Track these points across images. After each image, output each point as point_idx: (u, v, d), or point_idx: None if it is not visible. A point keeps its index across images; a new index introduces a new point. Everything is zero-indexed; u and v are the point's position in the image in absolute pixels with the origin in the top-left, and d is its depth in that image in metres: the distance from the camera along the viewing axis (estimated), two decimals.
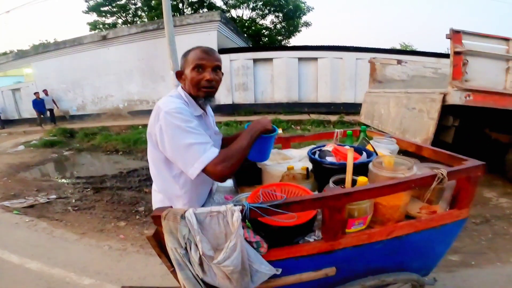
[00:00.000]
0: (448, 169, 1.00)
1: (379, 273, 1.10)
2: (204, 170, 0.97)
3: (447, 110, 3.13)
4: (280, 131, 1.83)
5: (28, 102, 12.90)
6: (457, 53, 2.87)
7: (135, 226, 2.98)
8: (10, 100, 13.44)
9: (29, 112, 13.14)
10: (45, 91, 11.40)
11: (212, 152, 0.99)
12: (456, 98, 2.93)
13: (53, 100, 11.56)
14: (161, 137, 1.02)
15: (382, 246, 1.05)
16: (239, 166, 1.01)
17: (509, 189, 3.46)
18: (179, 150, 0.99)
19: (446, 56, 8.60)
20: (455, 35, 2.86)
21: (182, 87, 1.20)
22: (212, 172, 0.97)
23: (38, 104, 11.13)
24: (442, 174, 0.96)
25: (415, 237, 1.07)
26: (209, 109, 1.32)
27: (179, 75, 1.18)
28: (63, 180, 4.75)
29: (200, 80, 1.12)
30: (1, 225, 3.13)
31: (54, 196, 3.91)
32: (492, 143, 3.77)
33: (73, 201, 3.74)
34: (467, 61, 2.89)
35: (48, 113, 11.51)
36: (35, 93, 11.23)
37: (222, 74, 1.21)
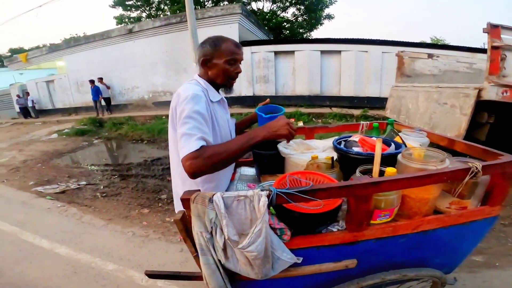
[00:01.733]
0: (482, 163, 0.94)
1: (400, 267, 1.08)
2: (182, 160, 0.96)
3: (481, 106, 2.99)
4: (301, 123, 1.81)
5: (61, 93, 13.68)
6: (494, 48, 2.76)
7: (158, 214, 3.10)
8: (44, 92, 14.22)
9: (62, 102, 13.94)
10: (100, 80, 11.64)
11: (194, 145, 0.96)
12: (492, 93, 2.80)
13: (107, 87, 11.81)
14: (178, 121, 1.05)
15: (406, 240, 1.02)
16: (215, 167, 0.97)
17: None
18: (180, 136, 1.00)
19: (481, 51, 8.00)
20: (493, 29, 2.75)
21: (200, 75, 1.25)
22: (183, 164, 0.95)
23: (92, 92, 11.31)
24: (476, 168, 0.91)
25: (442, 233, 1.03)
26: (222, 95, 1.37)
27: (205, 62, 1.20)
28: (93, 167, 5.01)
29: (233, 73, 1.20)
30: (34, 210, 3.34)
31: (84, 183, 4.15)
32: None
33: (102, 187, 3.94)
34: (506, 56, 2.77)
35: (103, 101, 11.63)
36: (90, 81, 11.35)
37: None
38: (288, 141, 1.11)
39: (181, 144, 0.98)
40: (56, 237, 2.70)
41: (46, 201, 3.56)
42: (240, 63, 1.23)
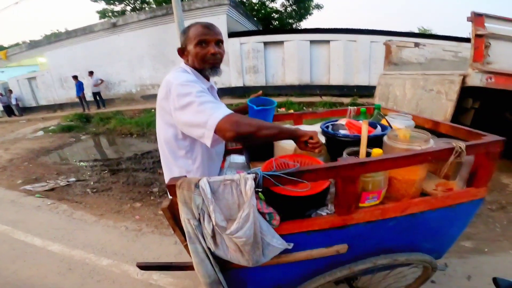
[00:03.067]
0: (466, 143, 0.96)
1: (391, 252, 1.09)
2: (219, 123, 0.92)
3: (466, 92, 3.07)
4: (282, 110, 1.81)
5: (45, 90, 13.28)
6: (478, 36, 2.83)
7: (150, 207, 3.08)
8: (26, 89, 13.78)
9: (46, 99, 13.54)
10: (90, 73, 11.09)
11: (229, 110, 0.96)
12: (476, 80, 2.88)
13: (100, 80, 11.24)
14: (175, 107, 1.01)
15: (396, 224, 1.03)
16: (251, 132, 0.94)
17: None
18: (196, 110, 0.97)
19: (467, 40, 8.13)
20: (477, 18, 2.82)
21: (185, 63, 1.22)
22: (226, 121, 0.92)
23: (76, 88, 10.85)
24: (460, 148, 0.92)
25: (429, 216, 1.05)
26: (213, 83, 1.34)
27: (181, 52, 1.20)
28: (81, 164, 4.92)
29: (206, 54, 1.15)
30: (24, 208, 3.27)
31: (73, 179, 4.07)
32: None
33: (92, 183, 3.88)
34: (490, 44, 2.85)
35: (90, 96, 11.16)
36: (73, 77, 10.85)
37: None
38: (314, 148, 1.05)
39: (209, 110, 0.95)
40: (48, 234, 2.66)
41: (36, 199, 3.49)
42: (217, 44, 1.16)
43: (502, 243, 2.16)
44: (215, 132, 0.93)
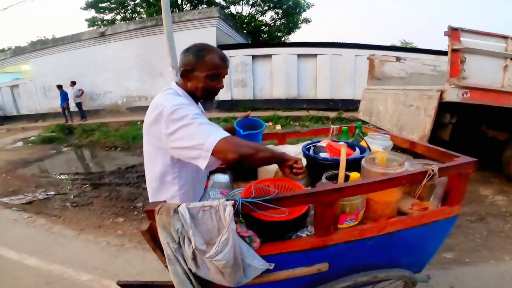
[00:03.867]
0: (439, 165, 1.00)
1: (371, 269, 1.10)
2: (217, 144, 0.89)
3: (444, 107, 3.14)
4: (278, 127, 1.84)
5: (27, 99, 12.91)
6: (455, 51, 2.88)
7: (133, 222, 3.00)
8: (8, 97, 13.38)
9: (27, 108, 13.14)
10: (72, 84, 10.77)
11: (225, 133, 0.94)
12: (453, 95, 2.94)
13: (81, 91, 10.89)
14: (168, 130, 0.95)
15: (374, 242, 1.05)
16: (251, 154, 0.92)
17: (505, 187, 3.48)
18: (193, 132, 0.93)
19: (445, 53, 8.52)
20: (453, 32, 2.87)
21: (178, 83, 1.16)
22: (226, 142, 0.89)
23: (60, 97, 10.57)
24: (432, 171, 0.96)
25: (406, 234, 1.08)
26: (200, 106, 1.32)
27: (185, 72, 1.11)
28: (62, 177, 4.77)
29: (215, 87, 1.13)
30: (0, 221, 3.14)
31: (52, 193, 3.93)
32: (489, 140, 3.77)
33: (72, 197, 3.76)
34: (465, 58, 2.90)
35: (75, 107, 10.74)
36: (57, 86, 10.57)
37: None
38: (298, 174, 1.04)
39: (205, 132, 0.92)
40: (24, 248, 2.56)
41: (12, 213, 3.36)
42: (224, 78, 1.15)
43: (482, 253, 2.21)
44: (212, 154, 0.90)
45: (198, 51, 1.08)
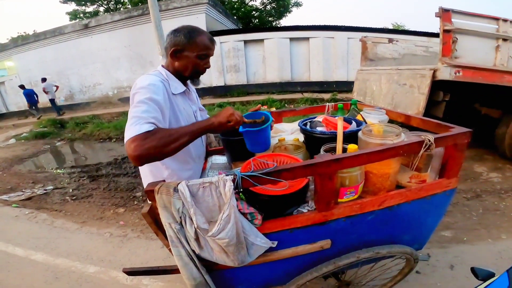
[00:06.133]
0: (435, 135, 1.01)
1: (373, 246, 1.12)
2: (126, 145, 0.85)
3: (437, 85, 3.19)
4: (273, 109, 1.83)
5: (14, 95, 12.62)
6: (446, 31, 2.93)
7: (134, 212, 3.02)
8: None
9: (16, 105, 12.87)
10: (43, 80, 10.70)
11: (144, 127, 0.86)
12: (446, 73, 2.99)
13: (56, 87, 10.80)
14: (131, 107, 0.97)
15: (375, 217, 1.07)
16: (162, 151, 0.87)
17: (499, 164, 3.52)
18: (127, 124, 0.90)
19: (437, 35, 8.52)
20: (445, 13, 2.92)
21: (164, 66, 1.19)
22: (127, 147, 0.84)
23: (24, 96, 10.67)
24: (429, 140, 0.97)
25: (406, 208, 1.09)
26: (190, 86, 1.32)
27: (175, 52, 1.13)
28: (58, 171, 4.73)
29: (203, 67, 1.18)
30: (1, 219, 3.14)
31: (51, 187, 3.91)
32: (482, 117, 3.83)
33: (70, 190, 3.75)
34: (457, 39, 2.96)
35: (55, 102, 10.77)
36: (20, 86, 10.76)
37: None
38: (235, 124, 1.05)
39: (128, 126, 0.88)
40: (29, 244, 2.57)
41: (13, 209, 3.34)
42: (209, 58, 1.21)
43: (479, 231, 2.23)
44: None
45: (189, 32, 1.12)
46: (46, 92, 10.49)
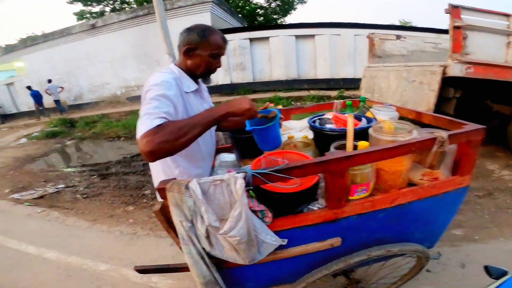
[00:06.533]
0: (448, 132, 0.99)
1: (384, 243, 1.10)
2: (139, 141, 0.84)
3: (448, 82, 3.15)
4: (280, 107, 1.82)
5: (24, 95, 12.84)
6: (456, 28, 2.91)
7: (143, 210, 3.05)
8: (6, 95, 13.32)
9: (27, 105, 13.10)
10: (49, 81, 11.09)
11: (155, 122, 0.85)
12: (456, 70, 2.97)
13: (61, 88, 11.16)
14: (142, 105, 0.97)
15: (386, 215, 1.05)
16: (175, 145, 0.85)
17: (511, 161, 3.45)
18: (139, 122, 0.90)
19: (446, 32, 8.39)
20: (454, 10, 2.90)
21: (177, 64, 1.20)
22: (139, 143, 0.83)
23: (32, 97, 11.03)
24: (442, 137, 0.95)
25: (418, 205, 1.07)
26: (201, 84, 1.33)
27: (188, 50, 1.14)
28: (69, 169, 4.80)
29: (215, 66, 1.19)
30: (14, 217, 3.20)
31: (62, 186, 3.98)
32: (494, 114, 3.75)
33: (81, 189, 3.81)
34: (467, 35, 2.94)
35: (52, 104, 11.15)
36: (27, 87, 11.10)
37: None
38: (249, 118, 1.02)
39: (139, 122, 0.87)
40: (42, 242, 2.61)
41: (25, 208, 3.41)
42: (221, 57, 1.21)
43: (491, 230, 2.18)
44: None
45: (203, 31, 1.13)
46: (49, 94, 10.82)
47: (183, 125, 0.88)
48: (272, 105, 1.68)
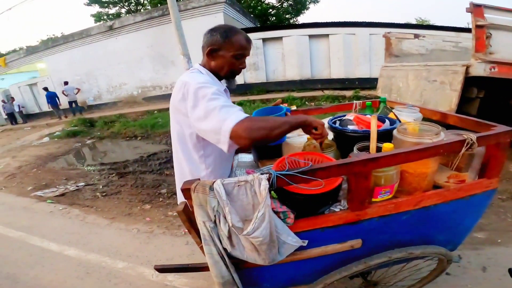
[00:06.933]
0: (477, 134, 0.96)
1: (405, 245, 1.08)
2: (232, 129, 0.89)
3: (470, 82, 3.08)
4: (294, 107, 1.82)
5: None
6: (479, 27, 2.86)
7: (160, 208, 3.10)
8: (28, 95, 13.86)
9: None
10: (65, 83, 11.58)
11: (240, 114, 0.92)
12: (480, 70, 2.91)
13: (77, 89, 11.72)
14: (193, 109, 0.98)
15: (409, 217, 1.03)
16: (267, 135, 0.90)
17: None
18: (211, 115, 0.94)
19: (466, 30, 8.13)
20: (476, 8, 2.85)
21: (202, 64, 1.19)
22: (235, 131, 0.88)
23: (47, 98, 11.58)
24: (471, 139, 0.92)
25: (443, 208, 1.04)
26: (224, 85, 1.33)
27: (211, 51, 1.14)
28: (89, 168, 4.95)
29: (238, 67, 1.17)
30: (37, 214, 3.32)
31: (82, 184, 4.11)
32: None
33: (101, 187, 3.92)
34: (491, 34, 2.88)
35: (72, 104, 11.64)
36: (43, 88, 11.65)
37: None
38: (320, 136, 1.04)
39: (222, 115, 0.91)
40: (63, 239, 2.70)
41: (48, 205, 3.53)
42: (246, 58, 1.20)
43: None
44: (230, 138, 0.90)
45: (226, 32, 1.12)
46: (65, 95, 11.33)
47: (274, 120, 0.95)
48: (285, 105, 1.69)
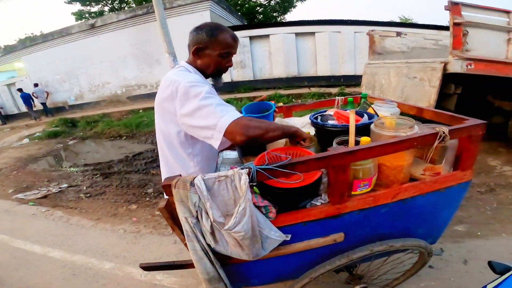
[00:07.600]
0: (449, 127, 0.99)
1: (386, 239, 1.11)
2: (229, 126, 0.92)
3: (448, 78, 3.17)
4: (280, 104, 1.84)
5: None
6: (456, 24, 2.94)
7: (146, 208, 3.07)
8: (7, 96, 13.32)
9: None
10: (35, 85, 11.44)
11: (236, 113, 0.95)
12: (457, 66, 2.99)
13: (46, 93, 11.59)
14: (182, 107, 0.98)
15: (388, 210, 1.06)
16: (261, 135, 0.95)
17: None
18: (206, 112, 0.95)
19: (447, 28, 8.37)
20: (454, 6, 2.92)
21: (188, 62, 1.18)
22: (232, 128, 0.91)
23: (23, 98, 11.39)
24: (443, 132, 0.96)
25: (420, 201, 1.08)
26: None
27: (197, 50, 1.12)
28: (72, 169, 4.83)
29: (225, 65, 1.17)
30: (19, 217, 3.23)
31: (65, 185, 4.00)
32: (495, 110, 3.76)
33: (84, 188, 3.83)
34: (467, 32, 2.97)
35: (40, 106, 11.60)
36: (18, 90, 11.45)
37: None
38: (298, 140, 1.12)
39: (219, 112, 0.94)
40: (47, 241, 2.64)
41: (29, 207, 3.44)
42: (233, 56, 1.19)
43: (494, 226, 2.18)
44: (224, 134, 0.92)
45: (212, 30, 1.10)
46: (35, 97, 11.24)
47: (269, 123, 1.01)
48: (272, 102, 1.71)
